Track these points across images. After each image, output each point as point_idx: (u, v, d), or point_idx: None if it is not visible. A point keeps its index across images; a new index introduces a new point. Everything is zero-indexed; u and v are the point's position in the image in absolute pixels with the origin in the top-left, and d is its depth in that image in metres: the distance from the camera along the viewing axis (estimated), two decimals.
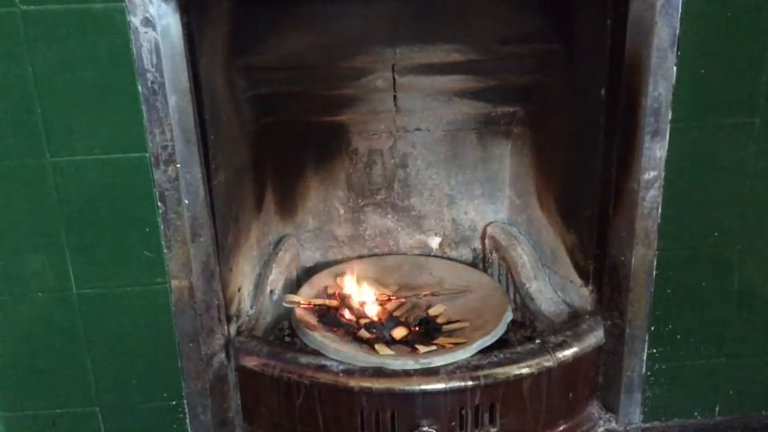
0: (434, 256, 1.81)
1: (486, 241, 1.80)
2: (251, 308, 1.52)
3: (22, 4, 1.07)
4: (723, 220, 1.31)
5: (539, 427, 1.36)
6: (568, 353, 1.35)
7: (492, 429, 1.33)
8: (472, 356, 1.33)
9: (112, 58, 1.11)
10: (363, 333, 1.42)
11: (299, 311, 1.49)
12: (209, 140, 1.25)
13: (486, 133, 1.72)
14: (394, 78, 1.54)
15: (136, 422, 1.35)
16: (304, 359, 1.33)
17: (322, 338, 1.39)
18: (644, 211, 1.28)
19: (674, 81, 1.20)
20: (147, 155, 1.17)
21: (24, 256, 1.22)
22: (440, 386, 1.28)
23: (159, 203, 1.20)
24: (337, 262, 1.76)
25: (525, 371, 1.31)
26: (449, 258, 1.81)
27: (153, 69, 1.12)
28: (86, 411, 1.34)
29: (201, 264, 1.25)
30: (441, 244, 1.82)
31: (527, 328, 1.61)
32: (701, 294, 1.35)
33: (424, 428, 1.29)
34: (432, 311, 1.53)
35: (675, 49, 1.18)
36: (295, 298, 1.54)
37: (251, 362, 1.35)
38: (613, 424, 1.43)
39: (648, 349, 1.38)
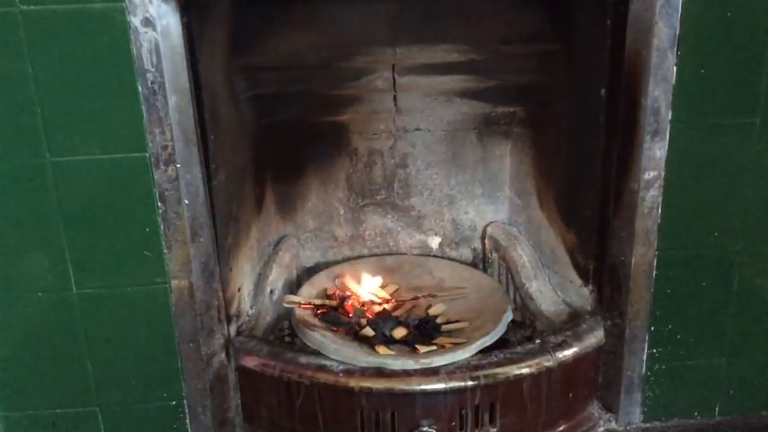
0: (434, 256, 1.81)
1: (486, 241, 1.79)
2: (251, 308, 1.52)
3: (22, 4, 1.07)
4: (723, 220, 1.31)
5: (539, 427, 1.36)
6: (568, 353, 1.35)
7: (492, 429, 1.33)
8: (472, 356, 1.33)
9: (112, 58, 1.11)
10: (368, 330, 1.42)
11: (299, 311, 1.49)
12: (209, 140, 1.25)
13: (486, 133, 1.71)
14: (394, 78, 1.54)
15: (136, 422, 1.35)
16: (304, 359, 1.33)
17: (322, 338, 1.39)
18: (644, 211, 1.28)
19: (673, 81, 1.20)
20: (147, 155, 1.17)
21: (24, 256, 1.22)
22: (440, 386, 1.28)
23: (159, 203, 1.20)
24: (337, 262, 1.76)
25: (525, 371, 1.31)
26: (449, 258, 1.81)
27: (153, 69, 1.12)
28: (86, 411, 1.34)
29: (201, 264, 1.25)
30: (441, 244, 1.82)
31: (527, 328, 1.60)
32: (701, 294, 1.35)
33: (424, 428, 1.29)
34: (432, 311, 1.53)
35: (675, 49, 1.18)
36: (295, 298, 1.54)
37: (251, 362, 1.35)
38: (613, 424, 1.43)
39: (648, 349, 1.38)
